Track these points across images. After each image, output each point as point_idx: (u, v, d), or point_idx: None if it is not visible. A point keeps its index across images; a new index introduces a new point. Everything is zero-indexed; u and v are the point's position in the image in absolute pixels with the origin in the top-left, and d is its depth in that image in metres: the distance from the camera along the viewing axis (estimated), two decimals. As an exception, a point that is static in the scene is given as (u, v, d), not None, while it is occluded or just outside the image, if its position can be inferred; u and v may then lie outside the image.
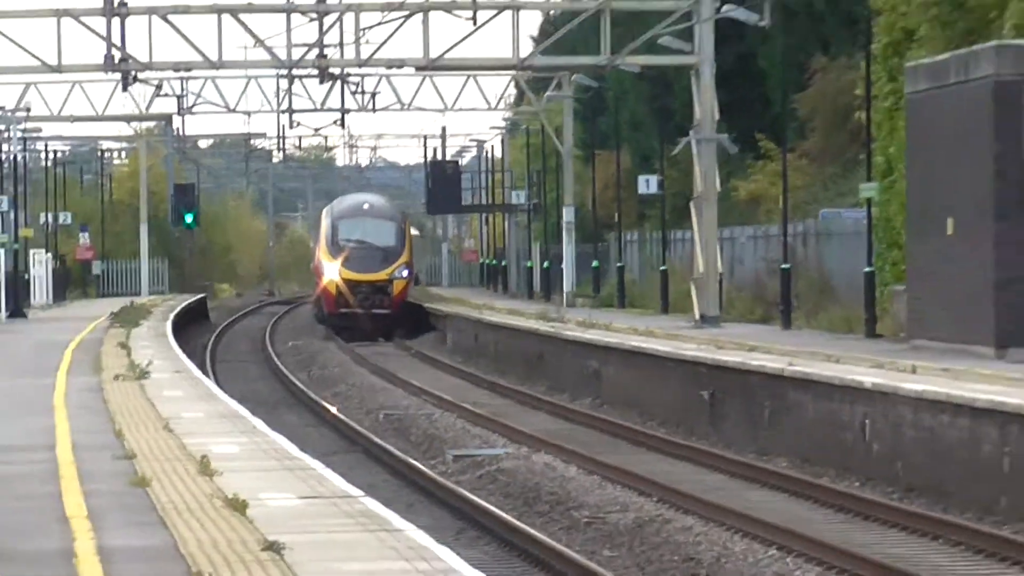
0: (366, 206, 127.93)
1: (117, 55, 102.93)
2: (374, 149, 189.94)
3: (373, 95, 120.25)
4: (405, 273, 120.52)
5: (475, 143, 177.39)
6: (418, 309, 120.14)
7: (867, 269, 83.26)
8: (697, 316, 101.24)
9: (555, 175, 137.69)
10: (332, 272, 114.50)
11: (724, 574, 42.86)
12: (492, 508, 48.94)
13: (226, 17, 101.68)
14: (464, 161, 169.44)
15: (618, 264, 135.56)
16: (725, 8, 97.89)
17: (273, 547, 24.84)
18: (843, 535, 45.74)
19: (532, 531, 44.97)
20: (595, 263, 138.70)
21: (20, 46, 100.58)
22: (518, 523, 46.20)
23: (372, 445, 64.74)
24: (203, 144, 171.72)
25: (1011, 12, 65.15)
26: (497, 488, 54.77)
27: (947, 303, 69.01)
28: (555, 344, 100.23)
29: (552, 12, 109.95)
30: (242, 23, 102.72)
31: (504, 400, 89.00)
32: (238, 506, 30.80)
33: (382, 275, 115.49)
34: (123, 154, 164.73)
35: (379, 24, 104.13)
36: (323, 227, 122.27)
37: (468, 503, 50.23)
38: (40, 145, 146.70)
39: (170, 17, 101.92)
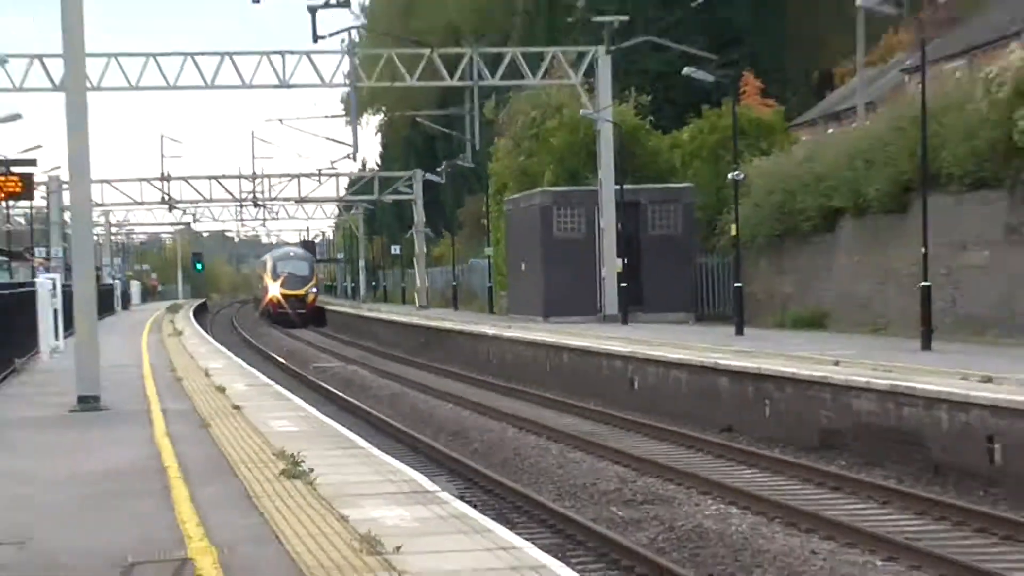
0: (291, 253, 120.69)
1: (167, 197, 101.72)
2: (278, 236, 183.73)
3: (277, 212, 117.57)
4: (314, 290, 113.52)
5: (322, 233, 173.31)
6: (322, 310, 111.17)
7: (488, 285, 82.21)
8: (418, 305, 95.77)
9: (357, 247, 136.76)
10: (274, 290, 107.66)
11: (435, 415, 39.74)
12: (331, 388, 48.09)
13: (213, 183, 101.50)
14: (318, 240, 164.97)
15: (384, 284, 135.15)
16: (427, 175, 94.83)
17: (238, 408, 27.30)
18: (477, 396, 43.92)
19: (348, 397, 44.33)
20: (374, 283, 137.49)
21: (124, 193, 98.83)
22: (340, 394, 45.53)
23: (280, 363, 61.71)
24: (204, 235, 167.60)
25: (547, 175, 65.59)
26: (334, 380, 52.19)
27: (524, 298, 67.81)
28: (358, 318, 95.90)
29: (352, 177, 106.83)
30: (221, 184, 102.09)
31: (336, 342, 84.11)
32: (221, 390, 31.96)
33: (301, 291, 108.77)
34: (171, 239, 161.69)
35: (280, 184, 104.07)
36: (268, 265, 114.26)
37: (320, 387, 48.89)
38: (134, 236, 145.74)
39: (190, 181, 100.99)
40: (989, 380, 26.02)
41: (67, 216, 49.18)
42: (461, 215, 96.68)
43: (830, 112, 67.17)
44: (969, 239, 43.05)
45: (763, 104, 66.26)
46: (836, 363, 31.45)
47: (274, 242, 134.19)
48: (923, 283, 37.87)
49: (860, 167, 49.00)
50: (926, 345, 36.47)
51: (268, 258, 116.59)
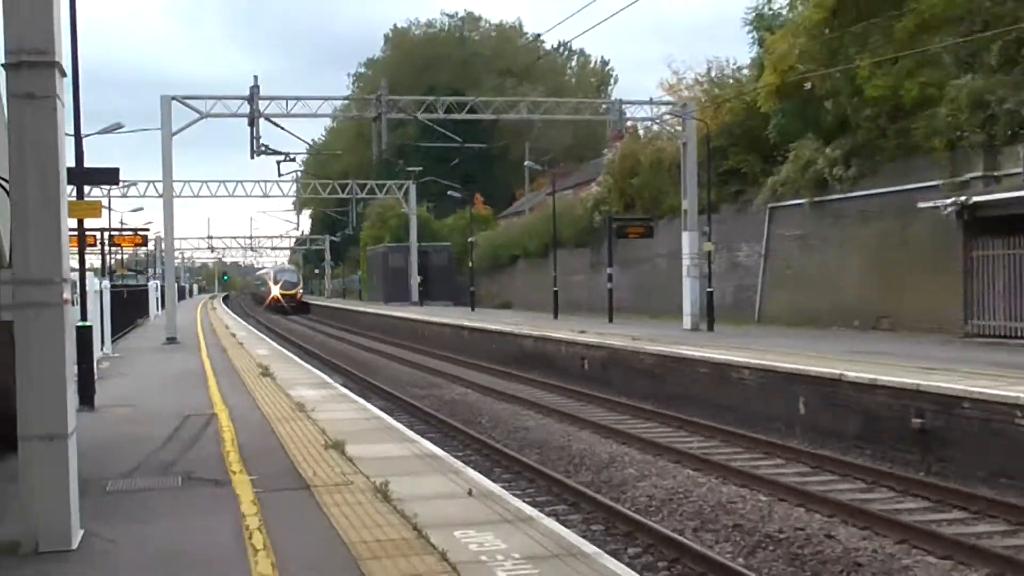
0: (286, 267, 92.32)
1: (210, 245, 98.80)
2: (263, 264, 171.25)
3: (261, 253, 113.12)
4: (301, 291, 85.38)
5: (283, 264, 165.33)
6: (307, 304, 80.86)
7: (359, 288, 78.52)
8: (326, 296, 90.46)
9: (300, 271, 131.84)
10: (276, 291, 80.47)
11: (333, 347, 37.42)
12: (286, 336, 44.02)
13: (232, 240, 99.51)
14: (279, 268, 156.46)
15: (311, 288, 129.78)
16: (331, 238, 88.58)
17: (240, 344, 26.69)
18: (353, 339, 41.48)
19: (294, 340, 40.61)
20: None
21: (189, 243, 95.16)
22: (291, 338, 41.75)
23: (288, 341, 51.97)
24: (228, 263, 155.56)
25: (386, 239, 64.44)
26: (289, 332, 47.35)
27: (375, 295, 64.40)
28: (321, 307, 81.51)
29: (297, 238, 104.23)
30: (236, 240, 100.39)
31: (315, 322, 74.15)
32: (233, 336, 31.42)
33: (293, 292, 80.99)
34: (212, 265, 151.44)
35: (263, 240, 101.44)
36: (271, 275, 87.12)
37: (282, 335, 44.03)
38: (195, 263, 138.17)
39: (222, 239, 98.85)
40: (583, 332, 26.36)
41: (163, 253, 47.88)
42: (347, 256, 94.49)
43: (514, 212, 67.57)
44: (576, 270, 44.14)
45: (484, 207, 66.77)
46: (516, 325, 31.43)
47: (260, 268, 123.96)
48: (554, 289, 38.34)
49: (527, 235, 50.23)
50: (555, 316, 36.77)
51: (270, 270, 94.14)
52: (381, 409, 15.05)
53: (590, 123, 51.14)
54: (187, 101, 28.67)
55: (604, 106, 33.19)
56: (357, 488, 8.25)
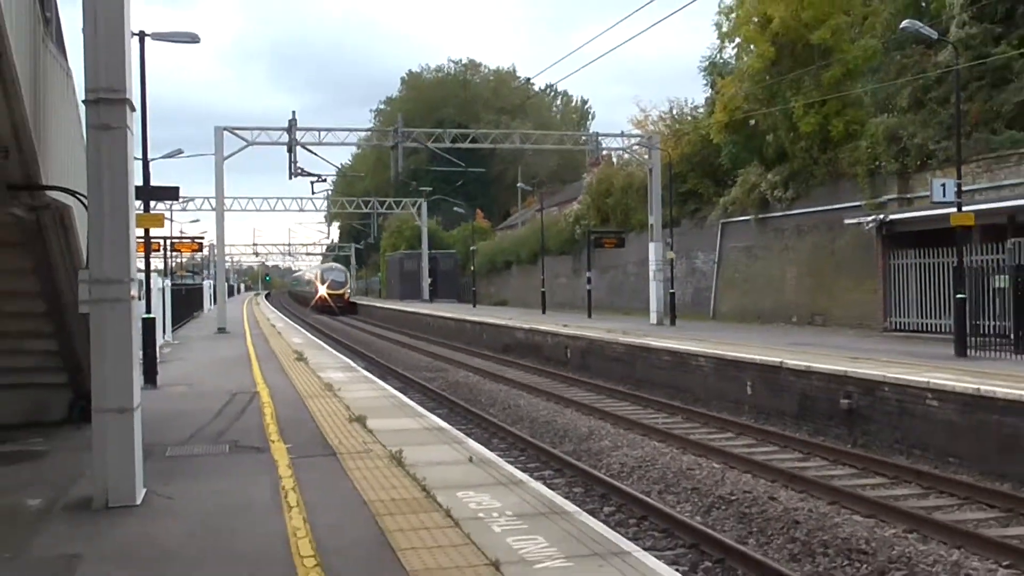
0: (334, 266, 73.25)
1: (255, 251, 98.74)
2: (299, 268, 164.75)
3: (297, 258, 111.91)
4: (349, 291, 67.59)
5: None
6: (355, 304, 64.61)
7: (379, 287, 75.65)
8: (353, 293, 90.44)
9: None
10: (322, 290, 65.07)
11: (355, 336, 36.40)
12: (317, 327, 41.22)
13: (273, 247, 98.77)
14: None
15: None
16: (356, 246, 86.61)
17: (279, 333, 26.24)
18: (373, 330, 40.10)
19: (322, 329, 38.36)
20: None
21: (238, 250, 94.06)
22: (320, 328, 39.09)
23: (318, 330, 50.51)
24: (270, 266, 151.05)
25: (402, 247, 63.06)
26: (319, 323, 45.22)
27: (393, 293, 62.89)
28: (365, 306, 77.06)
29: (328, 245, 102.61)
30: (276, 247, 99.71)
31: (353, 321, 66.27)
32: (273, 326, 30.87)
33: (341, 291, 64.81)
34: (257, 267, 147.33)
35: (299, 247, 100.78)
36: (317, 274, 70.83)
37: (313, 326, 41.48)
38: (242, 265, 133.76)
39: (265, 245, 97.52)
40: (566, 326, 26.11)
41: (215, 257, 47.44)
42: (369, 261, 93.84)
43: (508, 225, 67.03)
44: (560, 274, 43.78)
45: (484, 221, 65.97)
46: (510, 319, 31.18)
47: (296, 270, 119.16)
48: (542, 289, 38.05)
49: (519, 245, 49.58)
50: (543, 312, 36.48)
51: (318, 269, 78.88)
52: (397, 389, 14.98)
53: (572, 152, 51.07)
54: (236, 131, 28.45)
55: (583, 138, 33.31)
56: (376, 455, 8.16)
